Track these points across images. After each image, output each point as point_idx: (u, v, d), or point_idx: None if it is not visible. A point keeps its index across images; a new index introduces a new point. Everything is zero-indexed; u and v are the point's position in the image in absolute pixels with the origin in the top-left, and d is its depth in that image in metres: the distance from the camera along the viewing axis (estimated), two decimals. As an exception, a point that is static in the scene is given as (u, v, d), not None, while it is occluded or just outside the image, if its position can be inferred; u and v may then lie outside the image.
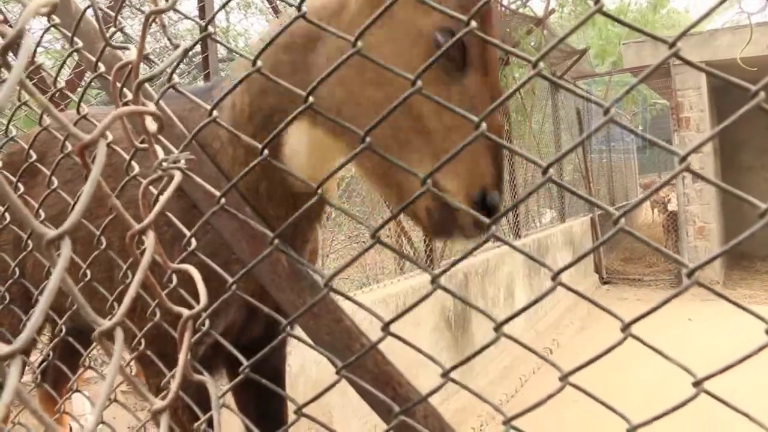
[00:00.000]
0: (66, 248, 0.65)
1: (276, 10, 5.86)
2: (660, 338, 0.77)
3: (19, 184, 1.44)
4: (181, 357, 0.81)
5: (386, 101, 0.97)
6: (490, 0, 1.16)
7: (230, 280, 1.00)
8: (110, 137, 1.19)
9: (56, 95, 1.54)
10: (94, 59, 1.21)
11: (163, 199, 0.80)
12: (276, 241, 0.93)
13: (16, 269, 1.51)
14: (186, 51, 0.92)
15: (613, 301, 9.48)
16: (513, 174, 8.41)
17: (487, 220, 0.91)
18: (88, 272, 1.30)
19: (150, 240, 0.78)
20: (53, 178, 1.31)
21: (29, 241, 1.45)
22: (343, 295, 0.89)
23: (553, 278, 0.88)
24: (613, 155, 15.46)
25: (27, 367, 1.82)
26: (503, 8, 9.09)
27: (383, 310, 4.91)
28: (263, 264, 1.07)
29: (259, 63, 0.94)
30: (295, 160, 1.32)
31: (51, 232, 0.65)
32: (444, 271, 0.88)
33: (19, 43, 0.65)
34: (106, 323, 0.71)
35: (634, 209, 0.86)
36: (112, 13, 1.21)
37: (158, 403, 0.77)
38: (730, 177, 12.20)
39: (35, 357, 2.94)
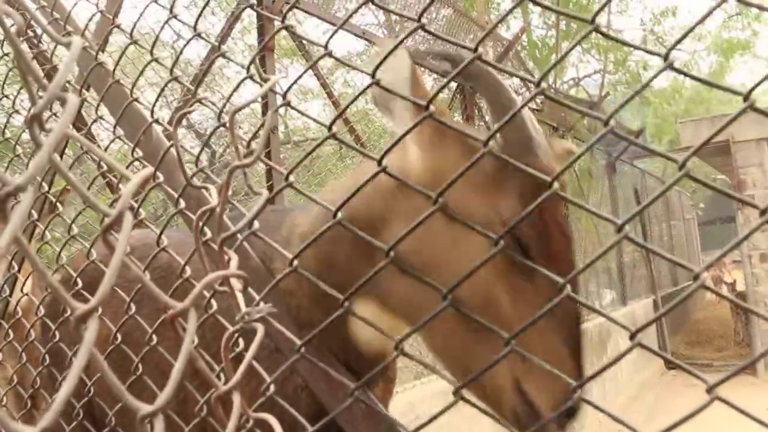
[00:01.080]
0: (159, 424, 0.65)
1: (330, 95, 6.07)
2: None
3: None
4: None
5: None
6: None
7: (309, 428, 0.98)
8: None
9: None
10: (175, 194, 1.25)
11: (248, 357, 0.80)
12: (357, 392, 0.92)
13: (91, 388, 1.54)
14: (268, 200, 0.94)
15: (681, 388, 9.02)
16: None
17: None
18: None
19: (236, 401, 0.77)
20: (132, 304, 1.35)
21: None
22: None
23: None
24: (674, 232, 15.08)
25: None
26: (556, 91, 9.16)
27: (442, 401, 4.76)
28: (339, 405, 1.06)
29: (339, 215, 0.96)
30: (362, 331, 1.24)
31: (145, 408, 0.65)
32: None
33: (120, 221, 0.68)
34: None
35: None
36: (192, 149, 1.26)
37: None
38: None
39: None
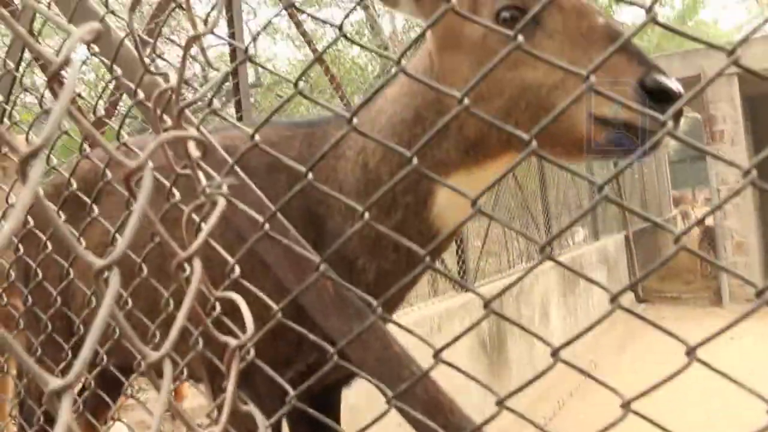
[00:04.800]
0: (115, 279, 0.63)
1: (305, 35, 5.92)
2: (702, 358, 0.72)
3: (61, 213, 1.45)
4: (229, 388, 0.78)
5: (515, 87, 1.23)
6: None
7: (275, 307, 0.97)
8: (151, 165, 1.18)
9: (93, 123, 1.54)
10: (133, 86, 1.20)
11: (207, 226, 0.78)
12: (322, 266, 0.90)
13: (58, 298, 1.51)
14: (227, 74, 0.91)
15: (652, 321, 9.23)
16: (544, 193, 8.32)
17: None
18: (129, 300, 1.29)
19: (196, 268, 0.76)
20: (94, 206, 1.31)
21: (72, 270, 1.45)
22: (391, 321, 0.86)
23: (612, 300, 0.85)
24: (645, 169, 15.21)
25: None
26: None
27: (418, 331, 4.85)
28: (308, 291, 1.05)
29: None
30: (444, 213, 1.45)
31: (99, 262, 0.63)
32: (498, 295, 0.85)
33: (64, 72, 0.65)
34: (153, 355, 0.69)
35: (690, 229, 0.82)
36: (151, 40, 1.21)
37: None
38: (766, 190, 11.90)
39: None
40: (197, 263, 0.76)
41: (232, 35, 4.46)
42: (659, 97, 1.08)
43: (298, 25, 6.04)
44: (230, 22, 4.47)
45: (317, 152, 1.52)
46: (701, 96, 10.78)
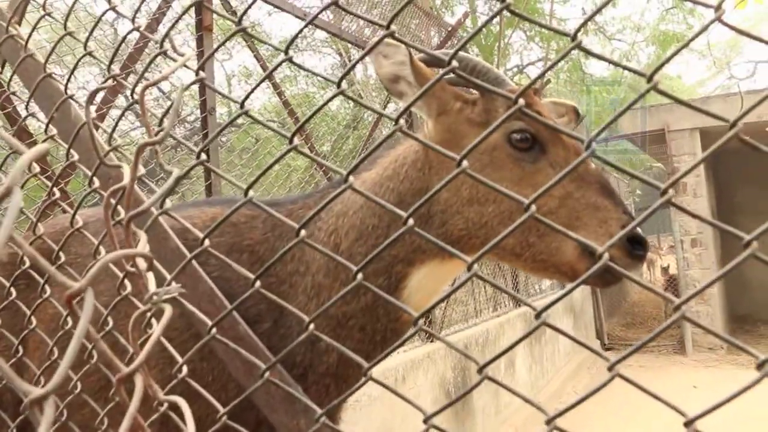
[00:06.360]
0: (49, 409, 0.63)
1: (276, 87, 5.96)
2: (666, 407, 0.73)
3: (12, 290, 1.43)
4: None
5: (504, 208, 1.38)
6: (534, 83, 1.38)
7: (221, 409, 0.97)
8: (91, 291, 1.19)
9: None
10: (89, 173, 1.21)
11: (152, 339, 0.79)
12: (267, 374, 0.91)
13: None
14: (179, 178, 0.92)
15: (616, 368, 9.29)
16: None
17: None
18: (79, 384, 1.27)
19: (138, 384, 0.76)
20: (47, 287, 1.30)
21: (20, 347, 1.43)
22: (336, 430, 0.87)
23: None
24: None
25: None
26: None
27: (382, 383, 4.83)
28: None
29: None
30: (414, 297, 1.51)
31: (36, 391, 0.63)
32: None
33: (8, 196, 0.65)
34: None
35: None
36: (106, 128, 1.22)
37: None
38: (728, 242, 12.20)
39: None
40: (139, 380, 0.77)
41: (202, 87, 4.49)
42: (634, 240, 1.33)
43: (264, 67, 6.09)
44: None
45: (282, 233, 1.53)
46: (666, 149, 11.07)
